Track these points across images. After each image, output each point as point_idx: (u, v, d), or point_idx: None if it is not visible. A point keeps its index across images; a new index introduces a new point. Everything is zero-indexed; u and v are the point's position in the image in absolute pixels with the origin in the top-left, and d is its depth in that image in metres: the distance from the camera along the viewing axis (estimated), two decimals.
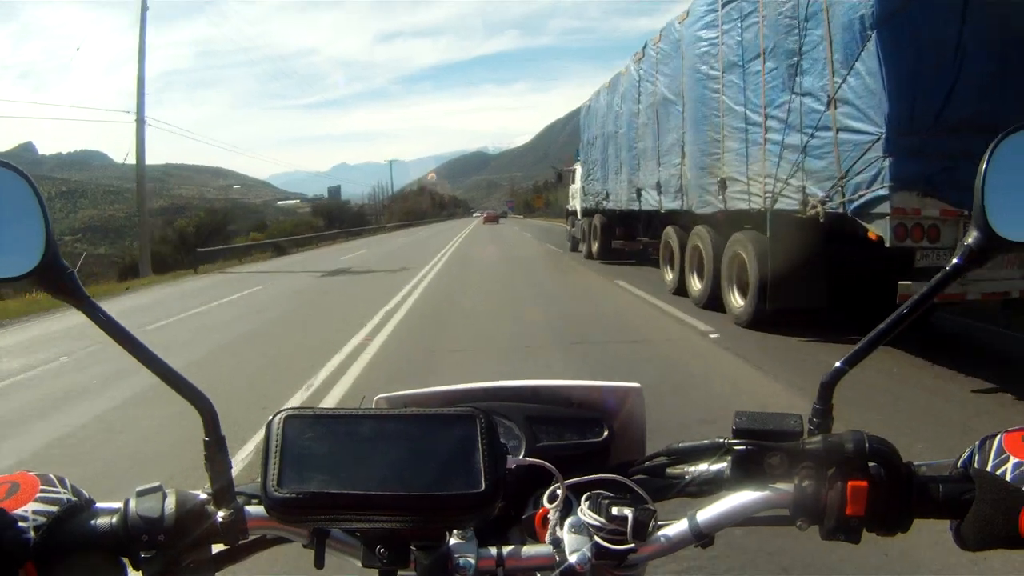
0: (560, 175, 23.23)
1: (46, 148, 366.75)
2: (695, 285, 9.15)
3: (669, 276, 10.52)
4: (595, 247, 16.67)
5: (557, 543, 0.66)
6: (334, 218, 57.81)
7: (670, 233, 10.37)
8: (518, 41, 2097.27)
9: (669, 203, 10.22)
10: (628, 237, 14.88)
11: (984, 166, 0.62)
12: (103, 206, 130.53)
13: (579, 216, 18.91)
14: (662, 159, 10.36)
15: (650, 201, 11.22)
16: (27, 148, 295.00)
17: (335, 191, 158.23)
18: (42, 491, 0.62)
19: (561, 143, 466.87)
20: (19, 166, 0.61)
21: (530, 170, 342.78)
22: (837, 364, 0.67)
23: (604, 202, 14.93)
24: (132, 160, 22.49)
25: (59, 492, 0.63)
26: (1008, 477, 0.60)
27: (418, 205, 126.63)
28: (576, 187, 19.00)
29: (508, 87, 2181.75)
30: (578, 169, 18.82)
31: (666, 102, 10.02)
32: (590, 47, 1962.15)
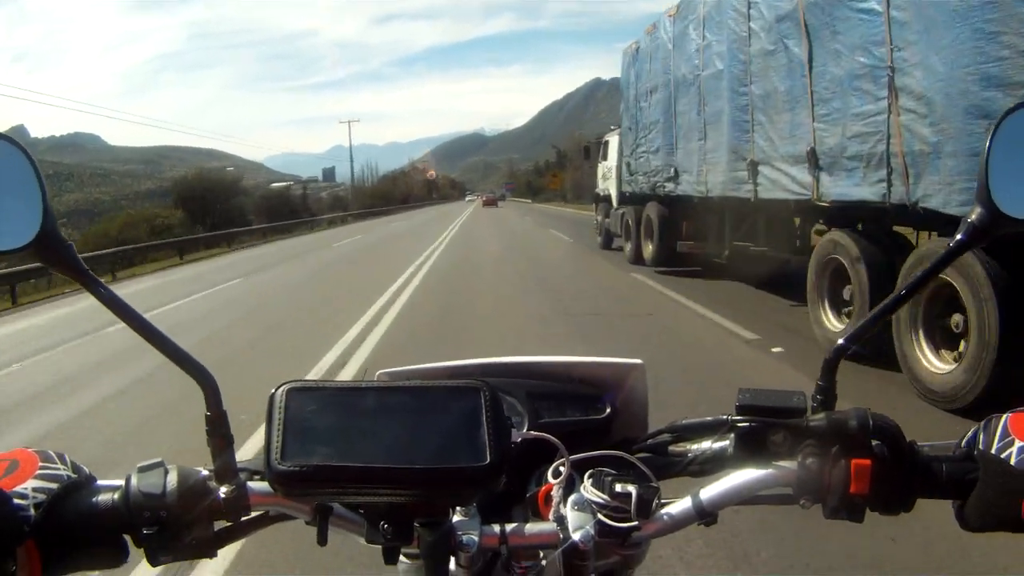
0: (587, 149, 18.33)
1: (40, 131, 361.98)
2: (929, 359, 4.62)
3: (832, 323, 5.99)
4: (649, 249, 11.75)
5: (561, 520, 0.65)
6: (210, 211, 34.08)
7: (845, 245, 5.61)
8: (515, 23, 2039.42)
9: (847, 188, 5.43)
10: (701, 237, 10.20)
11: (988, 143, 0.61)
12: (89, 189, 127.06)
13: (614, 203, 14.36)
14: (821, 108, 5.74)
15: (785, 184, 6.57)
16: (19, 131, 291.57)
17: (329, 172, 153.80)
18: (41, 468, 0.61)
19: (559, 124, 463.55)
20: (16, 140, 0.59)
21: (527, 152, 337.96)
22: (840, 341, 0.67)
23: (667, 184, 10.29)
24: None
25: (59, 469, 0.62)
26: (1013, 460, 0.59)
27: (409, 188, 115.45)
28: (610, 165, 14.57)
29: (505, 69, 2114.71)
30: (613, 141, 14.40)
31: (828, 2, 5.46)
32: (588, 29, 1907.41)
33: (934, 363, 4.56)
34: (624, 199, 13.57)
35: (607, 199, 15.14)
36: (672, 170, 10.00)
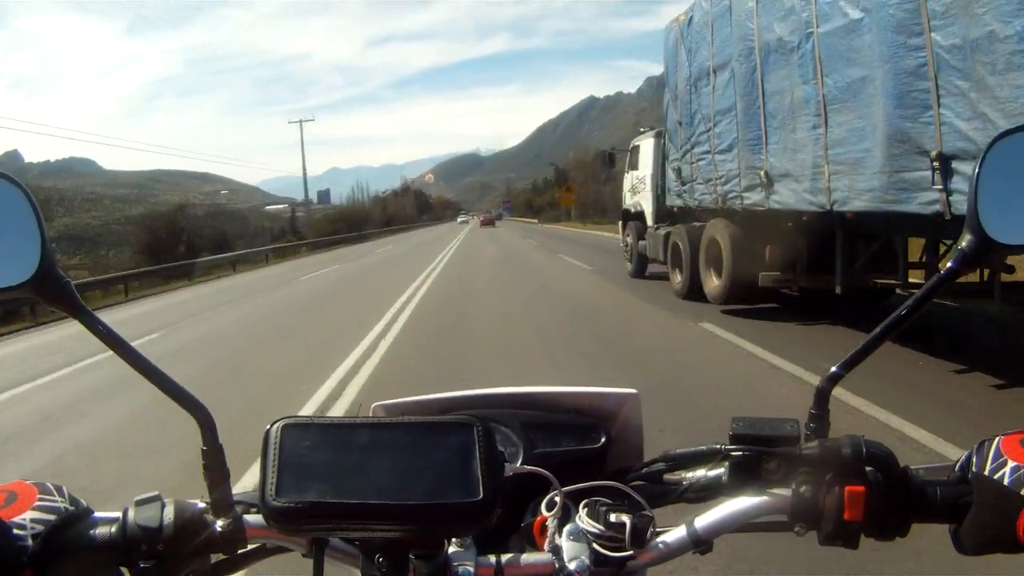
0: (610, 157, 15.24)
1: (34, 156, 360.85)
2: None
3: None
4: (715, 282, 8.67)
5: (556, 551, 0.65)
6: (174, 242, 28.14)
7: None
8: (509, 43, 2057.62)
9: None
10: (796, 267, 7.35)
11: (977, 169, 0.61)
12: (79, 214, 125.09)
13: (650, 221, 11.68)
14: None
15: None
16: (13, 156, 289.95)
17: (324, 195, 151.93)
18: (40, 500, 0.61)
19: (554, 143, 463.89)
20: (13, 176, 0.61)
21: (523, 171, 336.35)
22: (833, 369, 0.66)
23: (749, 194, 7.54)
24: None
25: (56, 501, 0.62)
26: (1006, 481, 0.59)
27: (400, 209, 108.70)
28: (643, 174, 11.99)
29: (500, 89, 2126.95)
30: (646, 145, 11.89)
31: None
32: (582, 48, 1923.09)
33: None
34: (664, 216, 11.17)
35: (638, 216, 12.39)
36: (760, 175, 7.16)
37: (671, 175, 10.25)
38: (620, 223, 14.32)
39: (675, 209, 10.45)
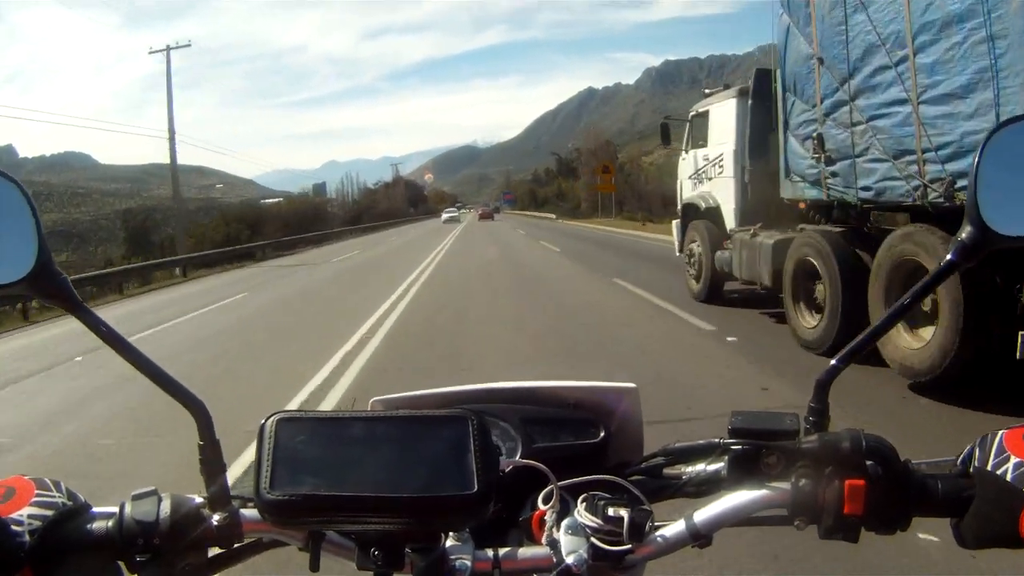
0: (666, 130, 10.78)
1: (30, 150, 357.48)
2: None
3: None
4: (915, 340, 4.82)
5: (554, 544, 0.65)
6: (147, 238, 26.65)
7: None
8: (506, 35, 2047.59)
9: None
10: None
11: (977, 160, 0.61)
12: (69, 209, 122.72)
13: (734, 221, 8.17)
14: None
15: None
16: (7, 151, 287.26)
17: (320, 188, 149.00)
18: (38, 495, 0.62)
19: (552, 134, 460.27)
20: (10, 173, 0.60)
21: (521, 163, 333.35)
22: (832, 362, 0.66)
23: None
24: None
25: (54, 496, 0.63)
26: (1009, 476, 0.59)
27: (392, 202, 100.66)
28: (719, 153, 8.40)
29: (497, 81, 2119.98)
30: (722, 111, 8.37)
31: None
32: (578, 40, 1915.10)
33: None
34: (751, 214, 7.74)
35: (710, 215, 8.78)
36: None
37: (796, 149, 6.44)
38: (676, 223, 10.29)
39: (802, 205, 6.76)
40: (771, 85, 7.28)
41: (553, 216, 62.18)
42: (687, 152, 9.66)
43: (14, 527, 0.59)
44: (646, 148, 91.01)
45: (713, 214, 8.78)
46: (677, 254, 10.25)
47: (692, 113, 9.49)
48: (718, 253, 8.53)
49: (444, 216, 70.30)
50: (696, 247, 9.23)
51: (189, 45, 51.30)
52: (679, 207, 10.16)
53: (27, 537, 0.59)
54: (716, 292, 9.06)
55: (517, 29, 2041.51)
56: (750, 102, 7.90)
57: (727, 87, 8.82)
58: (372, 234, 50.79)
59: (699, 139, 9.18)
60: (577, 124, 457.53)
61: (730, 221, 8.32)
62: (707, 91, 9.37)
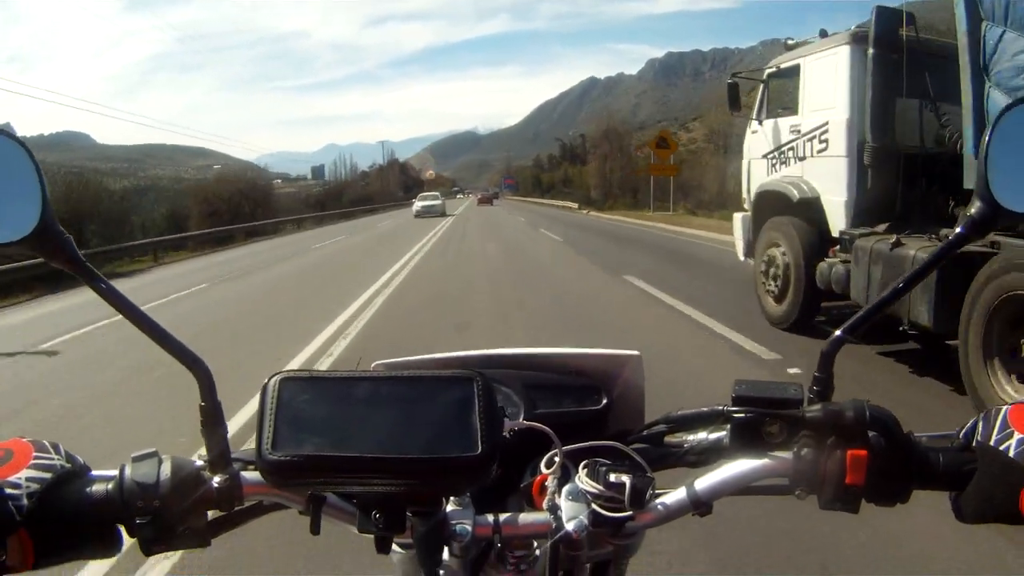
0: (733, 89, 7.75)
1: (29, 129, 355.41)
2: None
3: None
4: None
5: (554, 510, 0.65)
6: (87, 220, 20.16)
7: None
8: (509, 25, 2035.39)
9: None
10: None
11: (988, 137, 0.62)
12: (60, 188, 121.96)
13: (846, 220, 5.82)
14: None
15: None
16: (3, 129, 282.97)
17: (319, 171, 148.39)
18: (36, 458, 0.61)
19: (553, 123, 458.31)
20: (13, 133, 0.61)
21: (521, 150, 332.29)
22: (837, 333, 0.65)
23: None
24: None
25: (53, 459, 0.62)
26: (1012, 452, 0.58)
27: (384, 186, 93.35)
28: (820, 124, 6.06)
29: (498, 70, 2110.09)
30: (818, 66, 6.16)
31: None
32: (580, 31, 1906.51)
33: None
34: (870, 215, 5.72)
35: (803, 208, 6.29)
36: None
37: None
38: (740, 218, 7.66)
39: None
40: (898, 28, 5.45)
41: (574, 206, 46.72)
42: (759, 123, 7.18)
43: (11, 490, 0.58)
44: (648, 138, 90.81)
45: (809, 208, 6.22)
46: (742, 259, 7.73)
47: (770, 70, 7.04)
48: (822, 264, 5.98)
49: (417, 206, 41.69)
50: (779, 253, 6.53)
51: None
52: (746, 196, 7.60)
53: (25, 501, 0.58)
54: (809, 315, 6.39)
55: (520, 19, 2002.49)
56: (871, 52, 5.54)
57: (824, 34, 6.44)
58: (332, 224, 38.49)
59: (781, 105, 6.87)
60: (578, 113, 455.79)
61: (838, 219, 5.90)
62: (790, 41, 6.95)
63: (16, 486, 0.59)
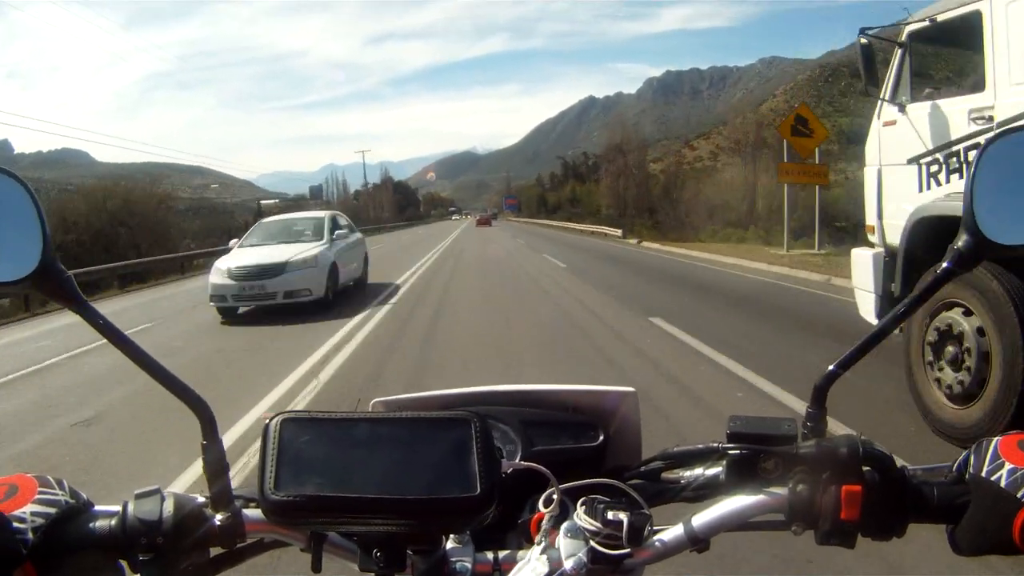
0: (867, 52, 4.79)
1: (27, 146, 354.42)
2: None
3: None
4: None
5: (547, 549, 0.65)
6: None
7: None
8: (508, 44, 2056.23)
9: None
10: None
11: (973, 169, 0.62)
12: (54, 207, 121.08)
13: None
14: None
15: None
16: (2, 146, 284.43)
17: (316, 190, 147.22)
18: (40, 493, 0.62)
19: (552, 143, 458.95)
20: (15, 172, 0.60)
21: (520, 170, 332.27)
22: (830, 368, 0.66)
23: None
24: None
25: (57, 494, 0.62)
26: (1003, 483, 0.59)
27: (380, 204, 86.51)
28: None
29: (497, 89, 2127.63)
30: None
31: None
32: (579, 50, 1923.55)
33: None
34: None
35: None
36: None
37: None
38: (866, 257, 5.09)
39: None
40: None
41: (614, 231, 34.31)
42: (901, 108, 4.80)
43: (16, 524, 0.58)
44: (652, 155, 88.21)
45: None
46: (870, 317, 5.08)
47: (917, 25, 4.74)
48: None
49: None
50: (969, 326, 3.99)
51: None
52: (874, 224, 5.17)
53: (30, 535, 0.58)
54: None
55: (519, 38, 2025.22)
56: None
57: None
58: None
59: (942, 79, 5.06)
60: (577, 132, 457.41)
61: None
62: None
63: (22, 520, 0.59)
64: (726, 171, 41.01)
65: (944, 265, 0.64)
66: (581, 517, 0.66)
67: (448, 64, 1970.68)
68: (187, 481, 4.05)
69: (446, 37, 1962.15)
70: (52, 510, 0.61)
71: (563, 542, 0.65)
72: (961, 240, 0.63)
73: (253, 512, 0.64)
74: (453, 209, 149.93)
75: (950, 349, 4.14)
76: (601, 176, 55.04)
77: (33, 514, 0.60)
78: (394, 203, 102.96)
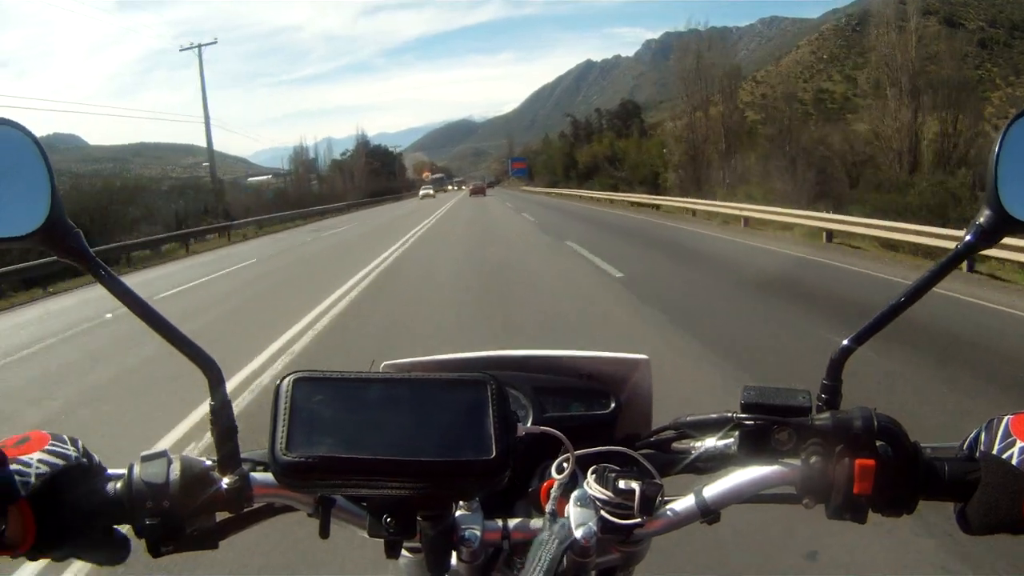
0: None
1: None
2: None
3: None
4: None
5: (555, 517, 0.64)
6: None
7: None
8: (502, 11, 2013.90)
9: None
10: None
11: (997, 146, 0.62)
12: None
13: None
14: None
15: None
16: (11, 121, 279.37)
17: (312, 164, 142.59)
18: (51, 444, 0.61)
19: (550, 108, 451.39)
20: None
21: (519, 137, 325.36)
22: (845, 342, 0.66)
23: None
24: None
25: (68, 449, 0.62)
26: (1014, 461, 0.58)
27: (345, 182, 69.24)
28: None
29: (493, 57, 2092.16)
30: None
31: None
32: (575, 14, 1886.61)
33: None
34: None
35: None
36: None
37: None
38: None
39: None
40: None
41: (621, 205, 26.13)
42: None
43: (19, 467, 0.58)
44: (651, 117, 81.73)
45: None
46: None
47: None
48: None
49: (420, 193, 27.39)
50: None
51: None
52: None
53: (32, 479, 0.58)
54: None
55: (514, 5, 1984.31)
56: None
57: None
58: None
59: None
60: (576, 97, 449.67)
61: None
62: None
63: (26, 464, 0.58)
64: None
65: (966, 239, 0.63)
66: (592, 486, 0.65)
67: (443, 33, 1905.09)
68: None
69: (439, 5, 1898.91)
70: (60, 462, 0.60)
71: (573, 511, 0.63)
72: (983, 216, 0.62)
73: (261, 476, 0.62)
74: (437, 176, 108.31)
75: None
76: (662, 126, 37.47)
77: (40, 461, 0.59)
78: (366, 173, 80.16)
